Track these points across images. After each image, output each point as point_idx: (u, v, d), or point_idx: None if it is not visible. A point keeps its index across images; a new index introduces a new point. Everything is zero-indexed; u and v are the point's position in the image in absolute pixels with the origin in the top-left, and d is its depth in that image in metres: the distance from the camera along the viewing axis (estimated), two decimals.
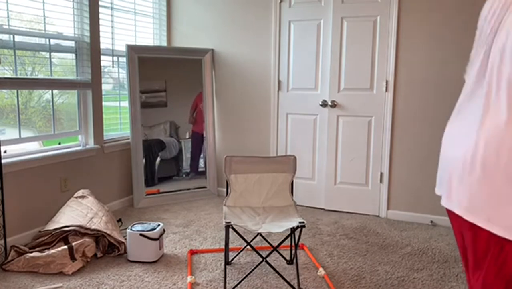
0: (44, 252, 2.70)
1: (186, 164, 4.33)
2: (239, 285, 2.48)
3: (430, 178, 3.64)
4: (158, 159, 4.18)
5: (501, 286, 1.08)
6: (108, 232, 2.88)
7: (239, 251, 2.87)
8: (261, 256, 2.42)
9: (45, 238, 2.84)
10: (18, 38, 3.04)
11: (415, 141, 3.67)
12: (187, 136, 4.34)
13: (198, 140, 4.37)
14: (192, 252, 2.95)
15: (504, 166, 1.05)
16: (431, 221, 3.65)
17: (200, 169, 4.38)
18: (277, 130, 4.18)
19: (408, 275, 2.69)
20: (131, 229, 2.81)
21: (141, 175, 4.04)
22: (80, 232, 2.83)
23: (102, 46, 3.67)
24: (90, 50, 3.54)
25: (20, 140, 3.11)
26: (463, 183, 1.14)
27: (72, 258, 2.68)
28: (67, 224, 2.86)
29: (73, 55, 3.53)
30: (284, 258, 2.84)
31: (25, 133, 3.17)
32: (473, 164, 1.11)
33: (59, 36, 3.39)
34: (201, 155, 4.39)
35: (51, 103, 3.36)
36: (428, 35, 3.53)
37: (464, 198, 1.13)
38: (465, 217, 1.12)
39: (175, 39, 4.50)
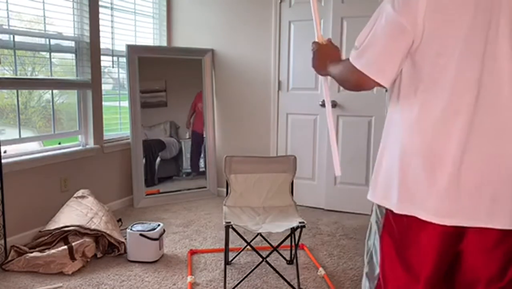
0: (44, 252, 2.70)
1: (186, 164, 4.33)
2: (239, 285, 2.48)
3: None
4: (158, 159, 4.18)
5: None
6: (108, 232, 2.88)
7: (239, 251, 2.87)
8: (261, 256, 2.42)
9: (45, 238, 2.84)
10: (18, 38, 3.04)
11: None
12: (187, 137, 4.34)
13: (198, 140, 4.37)
14: (192, 252, 2.95)
15: None
16: None
17: (200, 169, 4.38)
18: (277, 130, 4.18)
19: None
20: (131, 229, 2.81)
21: (141, 175, 4.04)
22: (80, 232, 2.83)
23: (102, 46, 3.67)
24: (90, 50, 3.54)
25: (20, 140, 3.11)
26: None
27: (72, 258, 2.68)
28: (67, 224, 2.86)
29: (73, 55, 3.52)
30: (284, 258, 2.84)
31: (25, 133, 3.17)
32: None
33: (59, 36, 3.39)
34: (201, 155, 4.39)
35: (51, 103, 3.36)
36: None
37: None
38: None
39: (175, 39, 4.50)
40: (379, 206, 1.29)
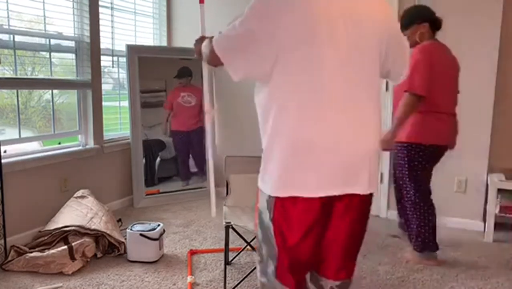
0: (44, 252, 2.70)
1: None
2: (239, 285, 2.48)
3: None
4: (158, 159, 4.18)
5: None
6: (108, 232, 2.88)
7: (239, 251, 2.87)
8: None
9: (45, 238, 2.84)
10: (18, 38, 3.04)
11: None
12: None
13: (183, 139, 4.28)
14: (192, 252, 2.95)
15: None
16: None
17: (192, 170, 4.34)
18: None
19: (408, 275, 2.69)
20: (131, 229, 2.81)
21: (141, 175, 4.04)
22: (80, 232, 2.83)
23: (102, 46, 3.67)
24: (90, 50, 3.54)
25: (20, 140, 3.11)
26: (367, 168, 1.44)
27: (72, 258, 2.68)
28: (67, 224, 2.86)
29: (73, 55, 3.52)
30: None
31: (25, 133, 3.17)
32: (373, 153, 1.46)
33: (59, 36, 3.38)
34: (189, 156, 4.31)
35: (51, 103, 3.36)
36: None
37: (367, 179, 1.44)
38: (368, 192, 1.46)
39: (175, 39, 4.50)
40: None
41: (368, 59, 1.40)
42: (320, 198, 1.38)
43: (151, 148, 4.11)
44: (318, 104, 1.34)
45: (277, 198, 1.41)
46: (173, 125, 4.22)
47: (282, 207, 1.41)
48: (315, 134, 1.35)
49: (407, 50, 1.57)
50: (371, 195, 1.51)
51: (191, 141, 4.32)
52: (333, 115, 1.35)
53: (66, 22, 3.42)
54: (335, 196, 1.40)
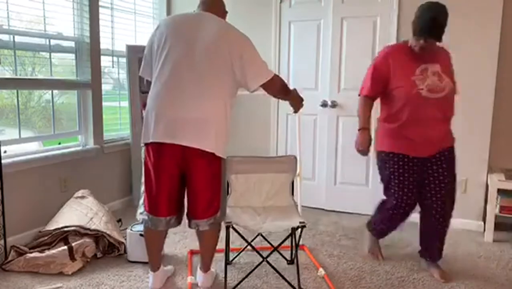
0: (44, 252, 2.70)
1: None
2: (239, 285, 2.48)
3: None
4: None
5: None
6: (108, 232, 2.88)
7: (240, 251, 2.87)
8: (261, 256, 2.41)
9: (45, 238, 2.83)
10: (18, 38, 3.04)
11: None
12: None
13: None
14: (192, 252, 2.95)
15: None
16: None
17: None
18: (277, 131, 4.18)
19: (408, 276, 2.69)
20: (131, 229, 2.81)
21: (141, 175, 4.03)
22: (80, 232, 2.83)
23: (102, 46, 3.67)
24: (90, 50, 3.54)
25: (20, 140, 3.11)
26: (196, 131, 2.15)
27: (72, 258, 2.67)
28: (67, 224, 2.86)
29: (73, 55, 3.52)
30: (285, 258, 2.84)
31: (25, 134, 3.16)
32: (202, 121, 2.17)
33: (59, 36, 3.38)
34: None
35: (51, 103, 3.36)
36: None
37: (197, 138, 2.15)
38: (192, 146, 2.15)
39: None
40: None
41: (216, 66, 2.17)
42: (159, 144, 2.17)
43: None
44: (160, 87, 2.20)
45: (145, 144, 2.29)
46: None
47: (146, 150, 2.31)
48: (157, 105, 2.19)
49: (254, 68, 2.38)
50: (200, 150, 2.15)
51: None
52: (167, 94, 2.16)
53: (66, 23, 3.42)
54: (167, 143, 2.15)
